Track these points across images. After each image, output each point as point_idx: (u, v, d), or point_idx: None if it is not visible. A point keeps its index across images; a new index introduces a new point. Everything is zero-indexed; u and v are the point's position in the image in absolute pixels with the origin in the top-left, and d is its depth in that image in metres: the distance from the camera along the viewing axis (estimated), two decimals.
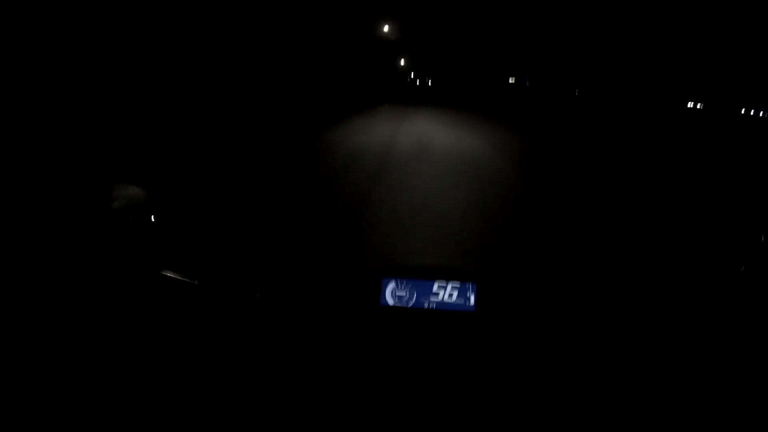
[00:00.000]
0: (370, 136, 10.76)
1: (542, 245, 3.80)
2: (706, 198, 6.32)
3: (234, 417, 1.12)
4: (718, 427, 1.14)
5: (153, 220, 1.12)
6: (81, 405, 1.19)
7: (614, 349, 1.27)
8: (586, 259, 3.48)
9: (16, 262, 1.19)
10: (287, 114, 13.88)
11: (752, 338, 1.36)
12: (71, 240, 1.21)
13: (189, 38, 12.73)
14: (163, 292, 1.13)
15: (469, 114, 17.90)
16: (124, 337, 1.25)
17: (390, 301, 1.23)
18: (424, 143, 9.97)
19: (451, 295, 1.22)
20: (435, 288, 1.21)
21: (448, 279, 1.22)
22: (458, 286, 1.22)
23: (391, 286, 1.22)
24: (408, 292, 1.22)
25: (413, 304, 1.22)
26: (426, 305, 1.22)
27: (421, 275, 1.22)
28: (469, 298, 1.21)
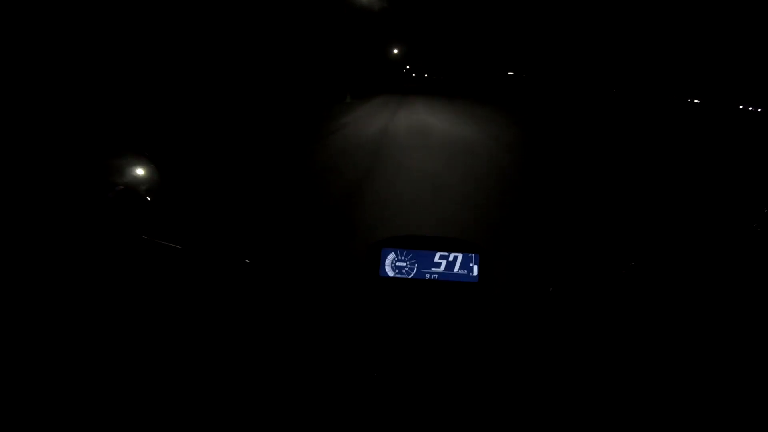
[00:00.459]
0: (368, 121, 10.74)
1: (539, 226, 3.83)
2: (699, 184, 6.32)
3: (226, 389, 1.08)
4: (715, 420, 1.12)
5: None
6: (67, 374, 1.15)
7: (617, 325, 1.25)
8: (582, 240, 3.50)
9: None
10: (288, 99, 13.89)
11: (751, 333, 1.35)
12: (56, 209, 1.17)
13: (187, 24, 12.54)
14: (155, 259, 1.09)
15: (464, 102, 17.89)
16: (109, 307, 1.21)
17: (390, 272, 1.18)
18: (421, 129, 9.97)
19: (453, 266, 1.17)
20: (437, 258, 1.17)
21: (450, 250, 1.18)
22: (461, 256, 1.17)
23: (391, 256, 1.18)
24: (409, 263, 1.18)
25: (414, 275, 1.18)
26: (427, 276, 1.18)
27: (423, 245, 1.18)
28: (472, 269, 1.17)
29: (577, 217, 4.19)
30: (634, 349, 1.24)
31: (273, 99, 13.34)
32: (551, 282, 1.19)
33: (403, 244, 1.18)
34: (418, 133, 9.46)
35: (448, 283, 1.17)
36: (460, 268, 1.17)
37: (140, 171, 1.13)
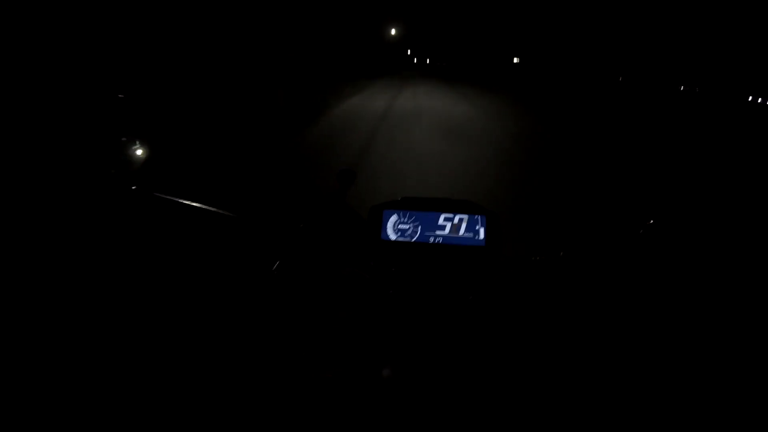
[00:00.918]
0: (370, 100, 10.68)
1: (544, 195, 3.84)
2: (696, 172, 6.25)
3: (232, 349, 1.06)
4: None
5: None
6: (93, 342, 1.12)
7: (626, 292, 1.21)
8: (590, 208, 3.47)
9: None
10: (293, 78, 13.81)
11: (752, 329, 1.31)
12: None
13: (192, 10, 12.32)
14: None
15: (463, 85, 17.71)
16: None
17: (392, 235, 1.13)
18: (421, 108, 9.90)
19: (459, 229, 1.11)
20: (441, 220, 1.11)
21: (455, 211, 1.12)
22: (466, 218, 1.11)
23: (393, 218, 1.12)
24: (412, 226, 1.12)
25: (417, 238, 1.12)
26: (432, 240, 1.12)
27: (426, 207, 1.12)
28: (478, 232, 1.11)
29: (582, 186, 4.16)
30: (644, 317, 1.20)
31: (277, 76, 13.23)
32: (560, 247, 1.14)
33: (406, 205, 1.12)
34: (418, 114, 9.37)
35: (453, 247, 1.12)
36: (466, 230, 1.11)
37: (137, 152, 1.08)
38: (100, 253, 1.53)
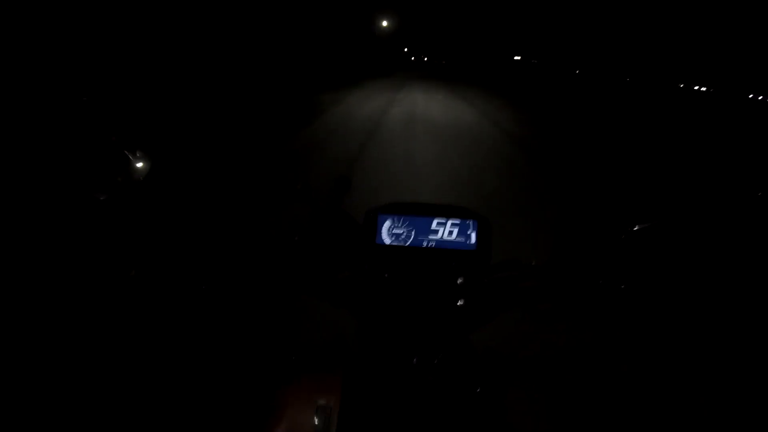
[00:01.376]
0: (367, 100, 10.69)
1: (536, 200, 3.86)
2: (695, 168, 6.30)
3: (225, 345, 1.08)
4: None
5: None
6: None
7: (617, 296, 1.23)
8: (581, 209, 3.50)
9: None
10: (289, 79, 13.80)
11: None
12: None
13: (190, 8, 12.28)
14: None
15: (461, 85, 17.73)
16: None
17: (387, 239, 1.16)
18: (417, 109, 9.92)
19: (451, 233, 1.14)
20: (434, 225, 1.14)
21: (447, 216, 1.15)
22: (458, 223, 1.14)
23: (387, 223, 1.15)
24: (406, 230, 1.15)
25: (411, 242, 1.15)
26: (425, 244, 1.15)
27: (420, 212, 1.15)
28: (470, 236, 1.14)
29: (574, 189, 4.19)
30: (633, 319, 1.23)
31: (272, 78, 13.21)
32: (550, 251, 1.17)
33: (400, 210, 1.15)
34: (414, 115, 9.38)
35: (445, 251, 1.15)
36: (458, 235, 1.14)
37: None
38: (95, 254, 1.55)
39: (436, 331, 1.09)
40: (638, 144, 7.88)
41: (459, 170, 4.97)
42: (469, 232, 1.14)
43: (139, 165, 1.11)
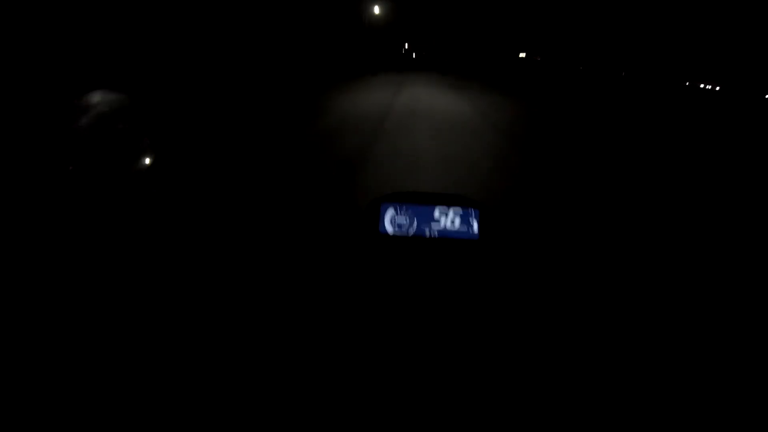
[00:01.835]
0: (369, 97, 10.69)
1: (538, 189, 3.87)
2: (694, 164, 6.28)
3: (231, 339, 1.09)
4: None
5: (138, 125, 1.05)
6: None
7: (614, 285, 1.24)
8: (577, 215, 3.50)
9: None
10: (291, 76, 13.77)
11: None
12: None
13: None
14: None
15: (463, 80, 17.67)
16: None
17: (390, 228, 1.17)
18: (420, 106, 9.91)
19: (453, 222, 1.15)
20: (436, 214, 1.15)
21: (449, 205, 1.16)
22: (461, 212, 1.15)
23: (390, 212, 1.16)
24: (408, 219, 1.16)
25: (414, 232, 1.16)
26: (427, 233, 1.16)
27: (422, 201, 1.16)
28: (472, 225, 1.15)
29: (572, 184, 4.20)
30: (634, 306, 1.24)
31: (274, 75, 13.19)
32: (550, 241, 1.17)
33: (402, 199, 1.16)
34: (416, 110, 9.38)
35: (448, 240, 1.16)
36: (461, 224, 1.15)
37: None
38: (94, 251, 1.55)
39: (439, 323, 1.10)
40: (642, 140, 7.86)
41: (460, 165, 4.98)
42: (471, 221, 1.15)
43: (146, 154, 1.12)
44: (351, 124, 7.15)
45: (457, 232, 1.17)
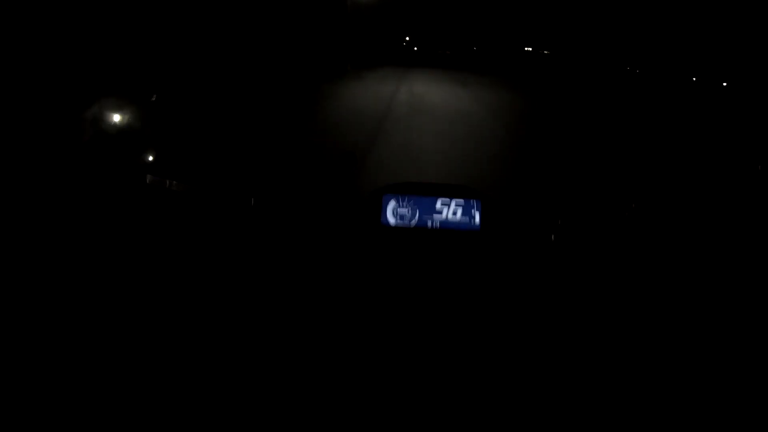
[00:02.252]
0: (369, 91, 10.67)
1: (539, 180, 3.89)
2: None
3: (231, 330, 1.10)
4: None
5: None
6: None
7: (618, 271, 1.24)
8: (582, 190, 3.52)
9: None
10: (293, 69, 13.75)
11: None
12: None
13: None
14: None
15: (465, 73, 17.58)
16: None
17: (392, 220, 1.18)
18: (422, 99, 9.89)
19: (455, 213, 1.16)
20: (438, 205, 1.16)
21: (451, 196, 1.16)
22: (462, 203, 1.16)
23: (392, 203, 1.17)
24: (410, 210, 1.17)
25: (416, 222, 1.17)
26: (429, 224, 1.17)
27: (424, 191, 1.17)
28: (474, 216, 1.16)
29: (575, 170, 4.21)
30: (636, 296, 1.25)
31: (276, 66, 13.14)
32: (552, 231, 1.18)
33: (404, 190, 1.17)
34: (418, 103, 9.36)
35: (450, 232, 1.17)
36: (463, 215, 1.16)
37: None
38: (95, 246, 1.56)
39: (441, 314, 1.11)
40: (649, 135, 7.82)
41: (463, 158, 4.99)
42: (473, 212, 1.16)
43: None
44: (353, 116, 7.15)
45: (459, 223, 1.17)
